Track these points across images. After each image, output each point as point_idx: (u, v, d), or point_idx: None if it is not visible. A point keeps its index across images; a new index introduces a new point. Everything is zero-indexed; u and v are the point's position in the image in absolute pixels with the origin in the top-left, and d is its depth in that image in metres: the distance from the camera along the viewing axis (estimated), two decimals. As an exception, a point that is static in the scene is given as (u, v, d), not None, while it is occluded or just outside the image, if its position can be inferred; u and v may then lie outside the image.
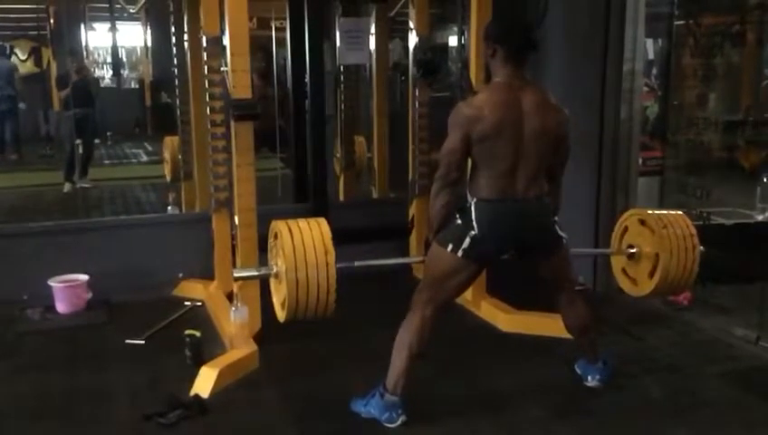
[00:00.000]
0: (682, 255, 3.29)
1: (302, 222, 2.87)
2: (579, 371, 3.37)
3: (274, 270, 2.91)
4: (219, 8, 3.92)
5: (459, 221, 2.89)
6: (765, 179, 5.14)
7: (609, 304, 4.36)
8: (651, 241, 3.36)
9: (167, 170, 6.21)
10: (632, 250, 3.45)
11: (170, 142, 6.01)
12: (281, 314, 2.89)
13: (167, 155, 6.17)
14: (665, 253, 3.28)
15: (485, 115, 2.78)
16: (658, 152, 4.97)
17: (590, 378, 3.32)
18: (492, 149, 2.81)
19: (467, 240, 2.85)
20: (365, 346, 3.72)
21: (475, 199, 2.88)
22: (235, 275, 3.28)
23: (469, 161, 2.91)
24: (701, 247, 3.32)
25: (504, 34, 2.91)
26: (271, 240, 2.95)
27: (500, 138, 2.79)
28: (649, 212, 3.48)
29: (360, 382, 3.16)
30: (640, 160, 4.68)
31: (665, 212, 3.50)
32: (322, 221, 2.89)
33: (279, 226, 2.86)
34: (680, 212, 3.50)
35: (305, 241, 2.77)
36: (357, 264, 3.06)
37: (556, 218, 3.02)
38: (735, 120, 7.40)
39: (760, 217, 5.05)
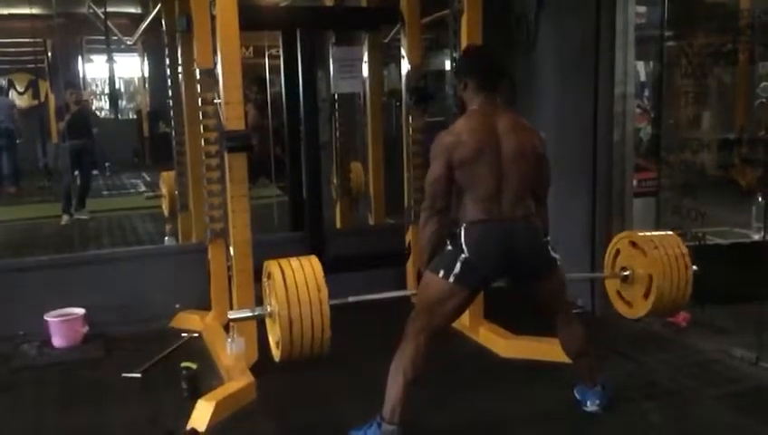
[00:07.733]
0: (675, 275, 3.30)
1: (294, 262, 2.88)
2: (578, 396, 3.35)
3: (269, 310, 2.91)
4: (212, 41, 3.95)
5: (450, 247, 2.91)
6: (760, 199, 5.13)
7: (608, 327, 4.34)
8: (644, 263, 3.37)
9: (164, 205, 6.23)
10: (625, 272, 3.46)
11: (167, 177, 6.02)
12: (276, 354, 2.89)
13: (164, 189, 6.18)
14: (658, 274, 3.29)
15: (464, 140, 2.88)
16: (653, 173, 4.98)
17: (589, 403, 3.30)
18: (473, 171, 2.87)
19: (458, 265, 2.86)
20: (363, 376, 3.68)
21: (464, 224, 2.91)
22: (230, 317, 3.29)
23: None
24: (694, 266, 3.33)
25: (471, 67, 3.07)
26: (265, 279, 2.96)
27: (480, 160, 2.87)
28: (640, 234, 3.49)
29: (358, 413, 3.14)
30: (635, 182, 4.69)
31: (655, 233, 3.52)
32: (314, 259, 2.91)
33: (271, 266, 2.88)
34: (670, 232, 3.52)
35: (297, 280, 2.78)
36: (351, 299, 3.07)
37: (548, 239, 3.03)
38: (730, 139, 7.43)
39: (756, 237, 5.04)
